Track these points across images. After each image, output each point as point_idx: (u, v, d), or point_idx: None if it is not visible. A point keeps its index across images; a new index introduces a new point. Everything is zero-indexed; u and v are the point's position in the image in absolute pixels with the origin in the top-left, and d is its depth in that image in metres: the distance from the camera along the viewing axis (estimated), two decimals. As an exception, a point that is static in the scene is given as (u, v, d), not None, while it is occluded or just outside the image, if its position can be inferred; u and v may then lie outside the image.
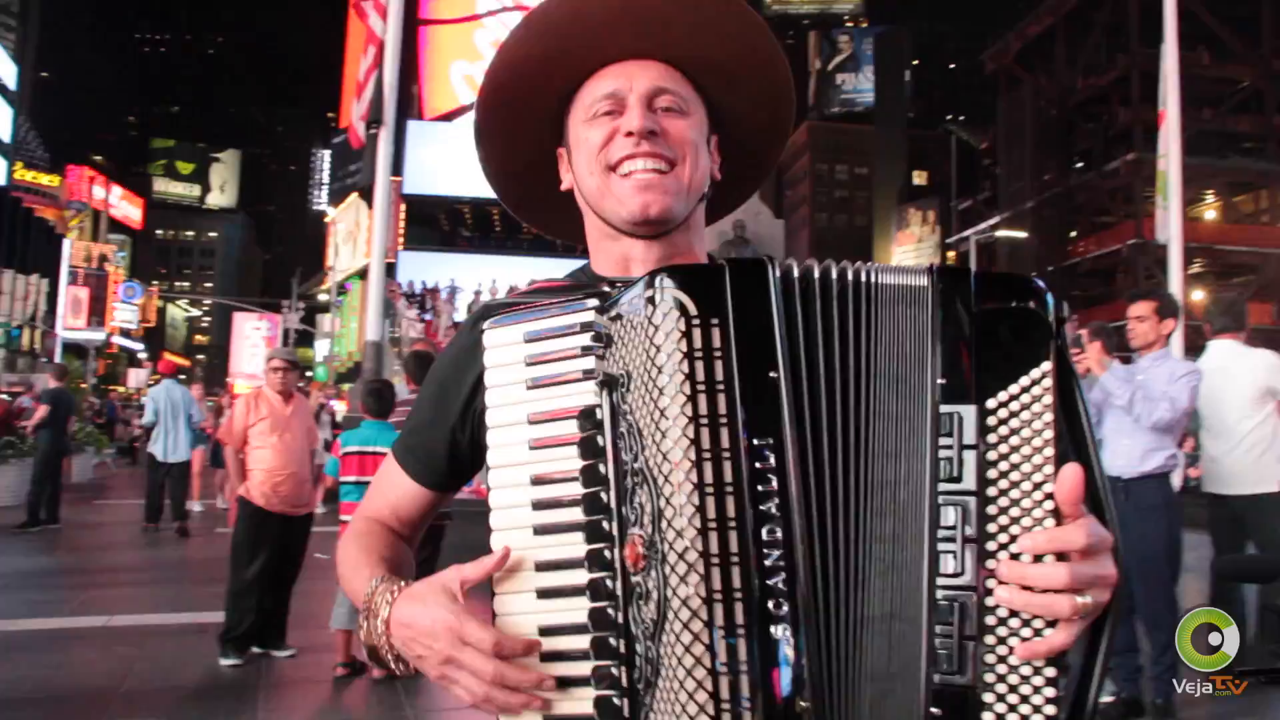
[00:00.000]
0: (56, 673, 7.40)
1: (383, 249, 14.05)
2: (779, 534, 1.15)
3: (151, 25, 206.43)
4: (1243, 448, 6.65)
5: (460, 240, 43.48)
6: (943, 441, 1.16)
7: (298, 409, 8.21)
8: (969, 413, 1.16)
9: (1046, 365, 1.15)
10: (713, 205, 1.71)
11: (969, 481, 1.15)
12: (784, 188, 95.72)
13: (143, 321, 76.66)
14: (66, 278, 58.78)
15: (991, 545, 1.14)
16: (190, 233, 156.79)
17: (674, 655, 1.14)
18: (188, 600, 10.12)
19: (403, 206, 41.05)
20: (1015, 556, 1.12)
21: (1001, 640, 1.13)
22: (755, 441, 1.16)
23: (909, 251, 77.35)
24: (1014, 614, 1.12)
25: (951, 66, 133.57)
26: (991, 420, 1.15)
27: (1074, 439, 1.20)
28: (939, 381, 1.17)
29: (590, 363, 1.29)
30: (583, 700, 1.25)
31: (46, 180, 70.97)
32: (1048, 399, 1.14)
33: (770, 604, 1.13)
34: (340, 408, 23.76)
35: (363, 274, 38.85)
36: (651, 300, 1.20)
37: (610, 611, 1.24)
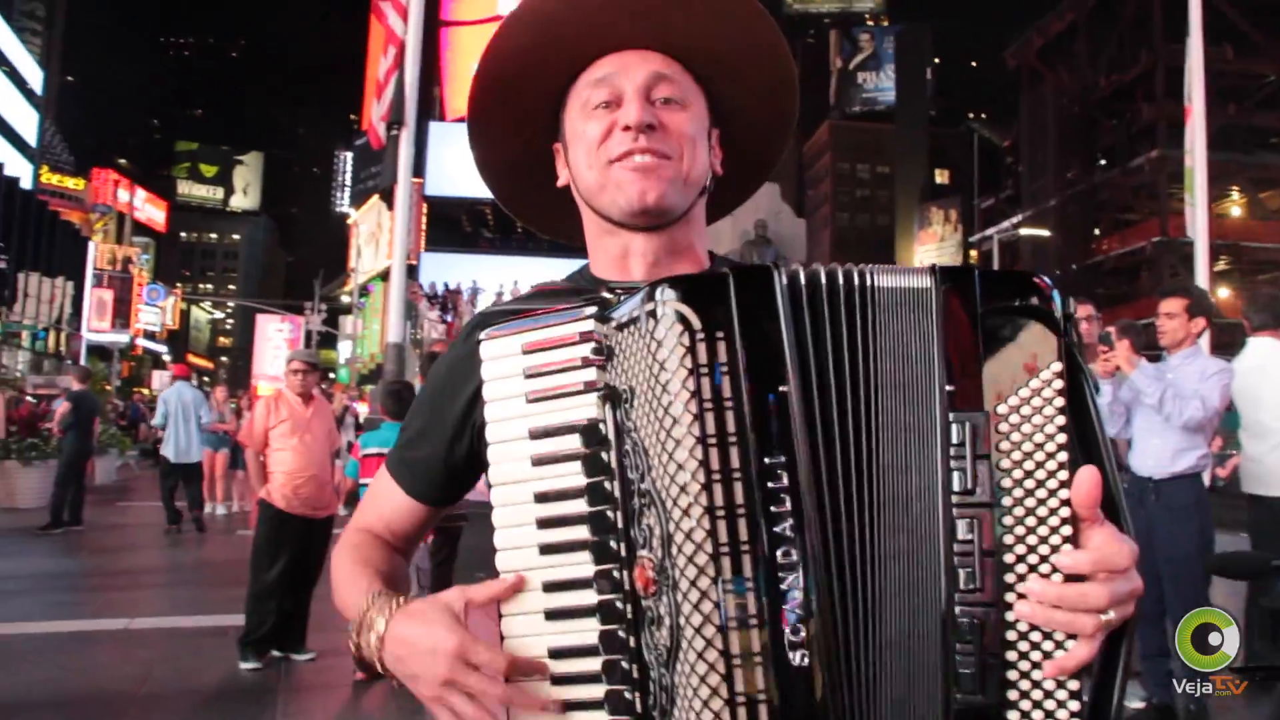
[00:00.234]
0: (75, 676, 7.38)
1: (404, 250, 14.04)
2: (794, 556, 1.10)
3: (175, 29, 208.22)
4: (1285, 446, 6.49)
5: (482, 241, 43.72)
6: (954, 451, 1.12)
7: (318, 411, 8.19)
8: (979, 420, 1.12)
9: (1056, 365, 1.12)
10: (718, 201, 1.68)
11: (983, 493, 1.11)
12: (805, 187, 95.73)
13: (166, 324, 77.09)
14: (91, 280, 59.17)
15: (1009, 558, 1.11)
16: (213, 235, 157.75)
17: (689, 685, 1.11)
18: (207, 603, 10.14)
19: (424, 208, 41.22)
20: (1048, 575, 1.09)
21: (1023, 656, 1.11)
22: (767, 461, 1.12)
23: (931, 250, 77.26)
24: (1035, 628, 1.09)
25: (973, 64, 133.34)
26: (1003, 426, 1.12)
27: (1085, 439, 1.17)
28: (947, 389, 1.13)
29: (591, 374, 1.25)
30: (595, 725, 1.20)
31: (72, 184, 71.58)
32: (1059, 401, 1.11)
33: (788, 631, 1.10)
34: (364, 409, 23.81)
35: (385, 275, 39.09)
36: (653, 314, 1.16)
37: (622, 634, 1.19)
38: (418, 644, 1.23)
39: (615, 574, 1.19)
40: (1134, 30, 52.33)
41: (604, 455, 1.22)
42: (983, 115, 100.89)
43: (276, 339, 55.65)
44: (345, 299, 55.79)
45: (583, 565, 1.22)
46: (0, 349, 44.28)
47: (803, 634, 1.09)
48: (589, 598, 1.21)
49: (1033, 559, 1.10)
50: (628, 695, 1.18)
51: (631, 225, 1.51)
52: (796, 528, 1.10)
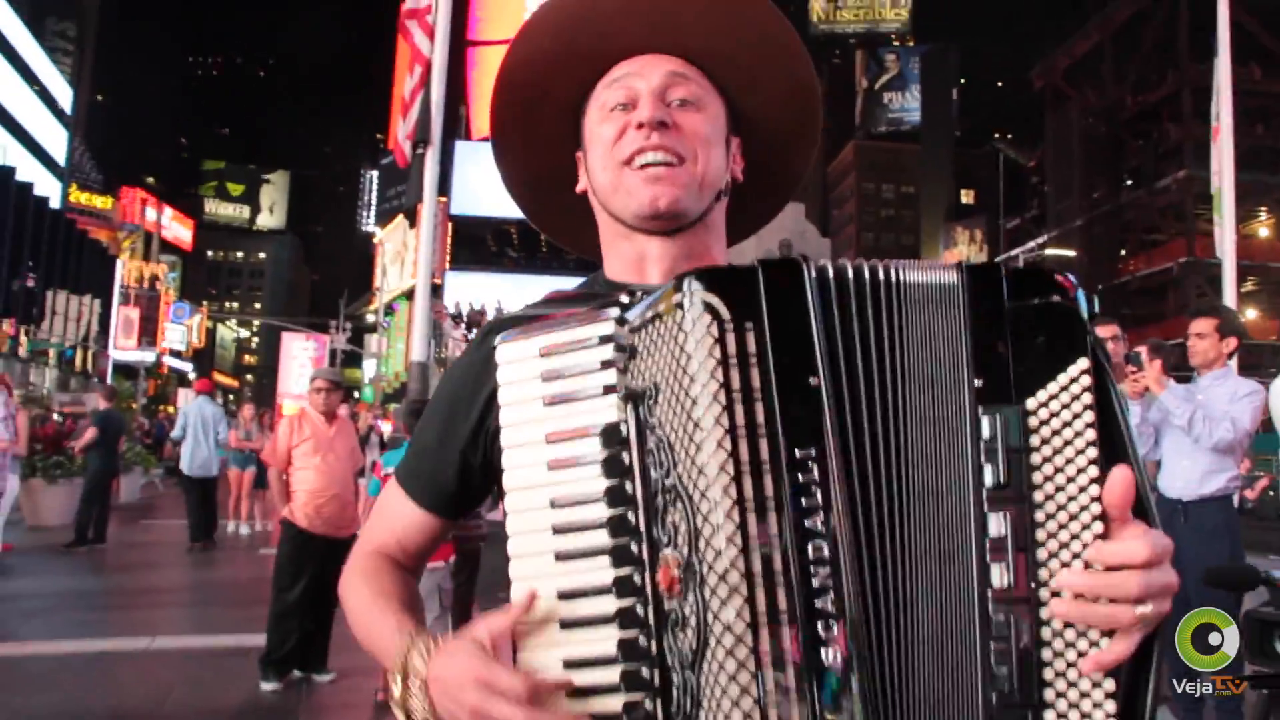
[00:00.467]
0: (97, 696, 7.38)
1: (428, 269, 14.07)
2: (825, 551, 1.07)
3: (203, 49, 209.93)
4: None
5: (507, 261, 43.85)
6: (984, 446, 1.10)
7: (341, 430, 8.18)
8: (1010, 414, 1.11)
9: (1084, 361, 1.11)
10: (744, 219, 1.66)
11: (1015, 488, 1.09)
12: (830, 207, 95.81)
13: (192, 342, 77.59)
14: (119, 298, 59.64)
15: (1042, 554, 1.08)
16: (240, 253, 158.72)
17: (717, 685, 1.07)
18: (229, 622, 10.12)
19: (450, 227, 41.39)
20: (1087, 566, 1.07)
21: (1058, 654, 1.07)
22: (797, 453, 1.09)
23: (956, 270, 77.03)
24: (1069, 625, 1.07)
25: (999, 84, 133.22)
26: (1033, 421, 1.10)
27: (1112, 438, 1.14)
28: (976, 383, 1.12)
29: (611, 377, 1.21)
30: (614, 737, 1.17)
31: (100, 202, 72.22)
32: (1087, 397, 1.10)
33: (819, 627, 1.06)
34: (389, 428, 23.88)
35: (409, 295, 39.22)
36: (680, 305, 1.13)
37: (642, 641, 1.15)
38: (448, 679, 1.21)
39: (635, 578, 1.16)
40: (1160, 51, 52.25)
41: (624, 456, 1.19)
42: (1008, 135, 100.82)
43: (302, 357, 55.88)
44: (370, 318, 56.04)
45: (600, 572, 1.19)
46: (28, 367, 44.61)
47: (835, 630, 1.06)
48: (607, 605, 1.18)
49: (1065, 555, 1.08)
50: (648, 704, 1.15)
51: (645, 229, 1.49)
52: (826, 522, 1.08)
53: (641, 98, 1.47)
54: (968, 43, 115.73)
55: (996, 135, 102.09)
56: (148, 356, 62.36)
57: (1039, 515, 1.08)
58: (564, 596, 1.20)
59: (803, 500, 1.08)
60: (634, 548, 1.17)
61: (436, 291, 32.17)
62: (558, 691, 1.17)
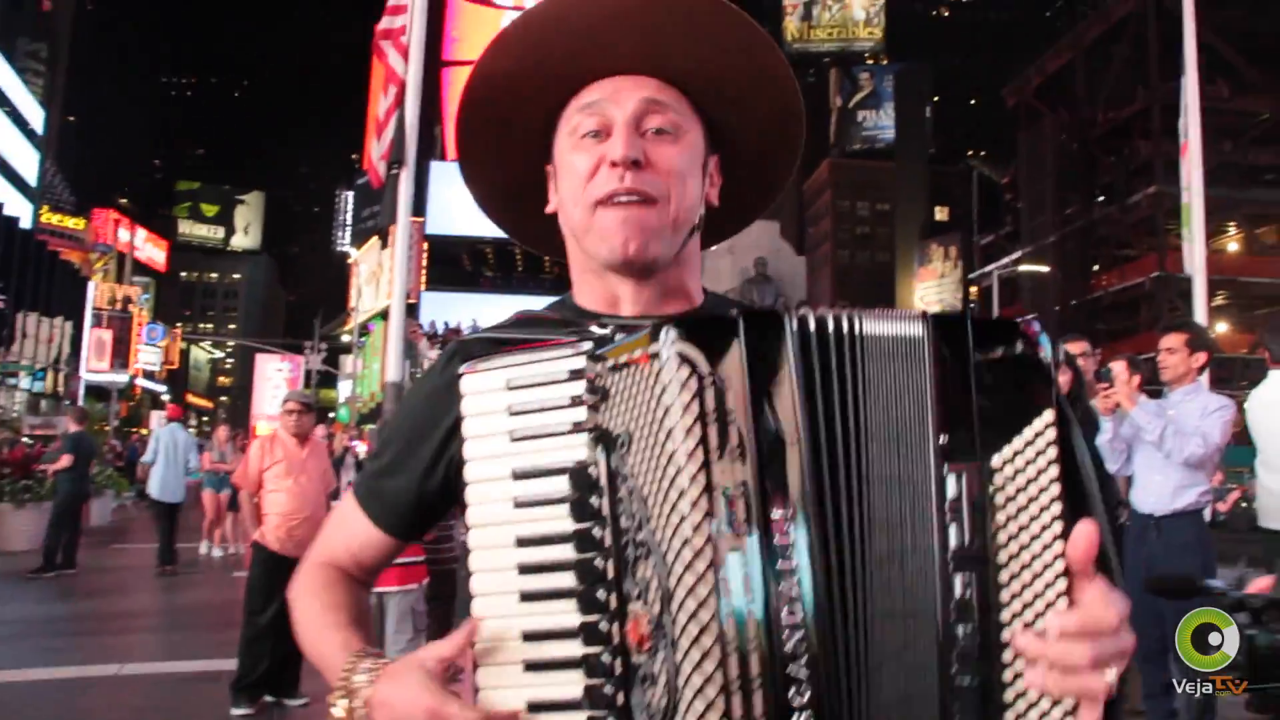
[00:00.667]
0: (66, 724, 7.27)
1: (403, 289, 14.01)
2: (799, 616, 1.05)
3: (177, 69, 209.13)
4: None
5: (483, 280, 43.82)
6: (949, 505, 1.08)
7: (313, 452, 8.14)
8: (973, 472, 1.09)
9: (1048, 415, 1.09)
10: (720, 227, 1.63)
11: (978, 548, 1.08)
12: (806, 224, 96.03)
13: (166, 363, 77.19)
14: (90, 320, 59.30)
15: (1005, 615, 1.07)
16: (214, 274, 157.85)
17: None
18: (200, 647, 10.00)
19: (425, 246, 41.33)
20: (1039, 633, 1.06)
21: (1020, 717, 1.06)
22: (773, 516, 1.06)
23: (931, 287, 77.48)
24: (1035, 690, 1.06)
25: (972, 102, 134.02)
26: (998, 479, 1.09)
27: (1075, 491, 1.13)
28: (941, 440, 1.10)
29: (581, 414, 1.18)
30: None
31: (72, 223, 71.83)
32: (1052, 451, 1.08)
33: (791, 693, 1.04)
34: (364, 449, 23.77)
35: (385, 315, 39.09)
36: (656, 355, 1.10)
37: (609, 689, 1.13)
38: (396, 706, 1.18)
39: (603, 626, 1.13)
40: (1130, 68, 52.60)
41: (594, 500, 1.16)
42: (982, 153, 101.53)
43: (276, 378, 55.73)
44: (345, 338, 55.83)
45: (567, 615, 1.16)
46: (-2, 389, 44.26)
47: (808, 696, 1.04)
48: (573, 649, 1.15)
49: (1028, 615, 1.06)
50: (616, 755, 1.12)
51: (618, 272, 1.46)
52: (799, 585, 1.06)
53: (615, 128, 1.42)
54: (941, 61, 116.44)
55: (970, 152, 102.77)
56: (120, 378, 61.96)
57: (1003, 576, 1.07)
58: (529, 638, 1.17)
59: (778, 563, 1.06)
60: (601, 594, 1.14)
61: (412, 311, 32.08)
62: None
